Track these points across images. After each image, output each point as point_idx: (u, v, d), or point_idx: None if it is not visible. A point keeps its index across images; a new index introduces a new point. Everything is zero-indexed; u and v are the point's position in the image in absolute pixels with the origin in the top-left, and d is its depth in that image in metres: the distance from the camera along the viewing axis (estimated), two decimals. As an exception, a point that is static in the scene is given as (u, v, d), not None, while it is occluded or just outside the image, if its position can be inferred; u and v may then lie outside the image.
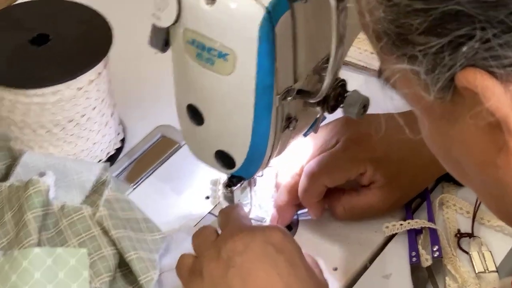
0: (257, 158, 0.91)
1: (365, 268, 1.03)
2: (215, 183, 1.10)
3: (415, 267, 1.01)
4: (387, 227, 1.05)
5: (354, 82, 1.23)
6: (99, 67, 1.05)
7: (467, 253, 1.02)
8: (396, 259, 1.03)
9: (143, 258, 0.97)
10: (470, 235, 1.04)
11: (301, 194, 1.03)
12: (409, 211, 1.07)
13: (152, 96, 1.22)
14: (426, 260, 1.01)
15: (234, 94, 0.85)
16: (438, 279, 0.99)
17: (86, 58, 1.05)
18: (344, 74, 1.25)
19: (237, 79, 0.84)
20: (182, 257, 0.92)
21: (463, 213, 1.07)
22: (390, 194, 1.04)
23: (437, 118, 0.66)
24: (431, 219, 1.05)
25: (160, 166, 1.15)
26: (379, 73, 0.69)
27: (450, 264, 1.01)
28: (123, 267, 0.99)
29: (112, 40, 1.06)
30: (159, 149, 1.17)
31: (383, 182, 1.02)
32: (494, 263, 1.00)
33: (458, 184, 1.09)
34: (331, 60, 0.84)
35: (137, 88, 1.24)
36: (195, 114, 0.91)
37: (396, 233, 1.05)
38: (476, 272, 1.00)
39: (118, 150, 1.16)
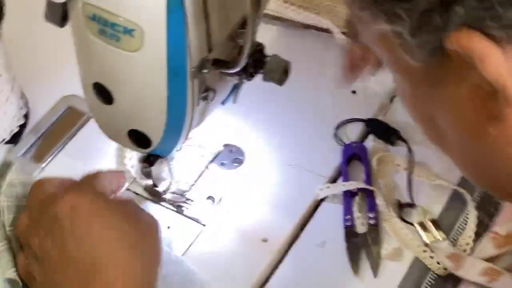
0: (174, 135, 0.84)
1: (296, 237, 0.97)
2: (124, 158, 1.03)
3: (350, 232, 0.96)
4: (321, 189, 0.99)
5: (266, 34, 1.17)
6: (-9, 41, 0.96)
7: (411, 224, 0.97)
8: (331, 225, 0.97)
9: None
10: (411, 205, 0.98)
11: None
12: (345, 173, 1.01)
13: (55, 66, 1.12)
14: (362, 224, 0.96)
15: (144, 72, 0.77)
16: (374, 247, 0.94)
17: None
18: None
19: (146, 56, 0.76)
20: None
21: (400, 170, 1.02)
22: None
23: (420, 82, 0.59)
24: (368, 181, 1.00)
25: (69, 141, 1.06)
26: (347, 24, 0.61)
27: (389, 226, 0.96)
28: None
29: (3, 14, 0.96)
30: (67, 122, 1.08)
31: None
32: (442, 230, 0.95)
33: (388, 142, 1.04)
34: (249, 25, 0.77)
35: (38, 58, 1.14)
36: (102, 93, 0.82)
37: (326, 196, 0.99)
38: (428, 242, 0.94)
39: (22, 127, 1.07)
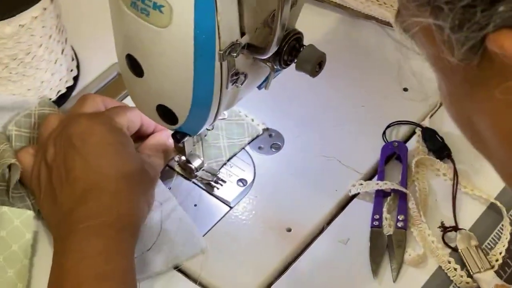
0: (201, 115, 0.84)
1: (321, 231, 0.95)
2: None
3: (375, 233, 0.94)
4: (353, 185, 0.97)
5: (325, 20, 1.16)
6: (43, 2, 0.97)
7: (455, 250, 0.93)
8: (357, 222, 0.95)
9: None
10: (456, 228, 0.94)
11: None
12: (381, 172, 0.99)
13: (109, 32, 1.13)
14: (389, 226, 0.94)
15: (171, 49, 0.77)
16: (397, 251, 0.92)
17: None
18: (313, 10, 1.17)
19: (174, 33, 0.76)
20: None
21: (440, 175, 0.99)
22: None
23: (459, 81, 0.57)
24: (403, 182, 0.98)
25: (115, 106, 1.07)
26: (397, 16, 0.60)
27: (417, 232, 0.94)
28: None
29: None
30: (114, 88, 1.09)
31: None
32: (487, 259, 0.91)
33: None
34: (278, 10, 0.75)
35: (93, 23, 1.15)
36: (134, 65, 0.83)
37: (358, 193, 0.97)
38: (473, 273, 0.90)
39: (70, 89, 1.08)
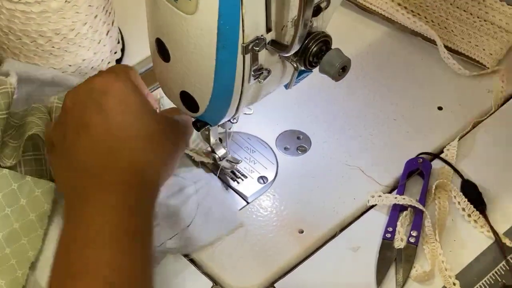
0: (221, 106, 0.85)
1: (333, 237, 0.96)
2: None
3: (386, 245, 0.94)
4: (372, 196, 0.98)
5: (373, 31, 1.16)
6: (91, -18, 1.00)
7: None
8: (370, 232, 0.95)
9: None
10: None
11: None
12: (402, 186, 0.99)
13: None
14: (401, 240, 0.94)
15: (196, 36, 0.79)
16: (405, 265, 0.92)
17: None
18: (363, 21, 1.18)
19: (199, 21, 0.77)
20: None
21: (456, 202, 0.98)
22: None
23: None
24: (422, 200, 0.97)
25: (157, 88, 1.08)
26: None
27: (429, 249, 0.93)
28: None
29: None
30: (154, 75, 1.10)
31: None
32: None
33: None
34: (300, 8, 0.76)
35: (142, 6, 1.17)
36: (162, 50, 0.85)
37: (375, 205, 0.97)
38: None
39: (118, 61, 1.11)
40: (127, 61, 1.13)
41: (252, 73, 0.82)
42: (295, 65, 0.84)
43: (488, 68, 1.12)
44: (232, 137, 1.02)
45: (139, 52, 1.14)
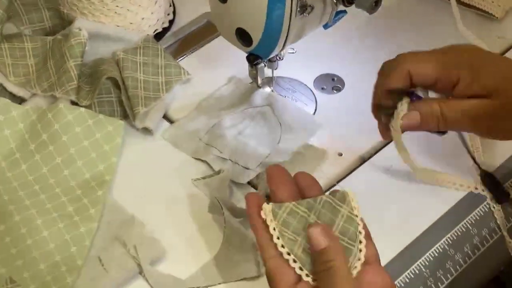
0: (272, 39, 1.00)
1: (371, 156, 1.09)
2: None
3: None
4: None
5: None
6: None
7: None
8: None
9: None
10: None
11: (380, 80, 0.96)
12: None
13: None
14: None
15: (251, -25, 0.94)
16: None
17: None
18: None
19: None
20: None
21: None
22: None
23: None
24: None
25: (201, 47, 1.24)
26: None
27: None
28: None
29: None
30: (203, 33, 1.26)
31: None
32: None
33: None
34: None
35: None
36: (219, -8, 1.00)
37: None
38: None
39: (165, 30, 1.26)
40: (178, 23, 1.29)
41: (299, 8, 0.97)
42: (334, 2, 0.99)
43: (497, 17, 1.26)
44: (275, 80, 1.16)
45: (188, 14, 1.30)
